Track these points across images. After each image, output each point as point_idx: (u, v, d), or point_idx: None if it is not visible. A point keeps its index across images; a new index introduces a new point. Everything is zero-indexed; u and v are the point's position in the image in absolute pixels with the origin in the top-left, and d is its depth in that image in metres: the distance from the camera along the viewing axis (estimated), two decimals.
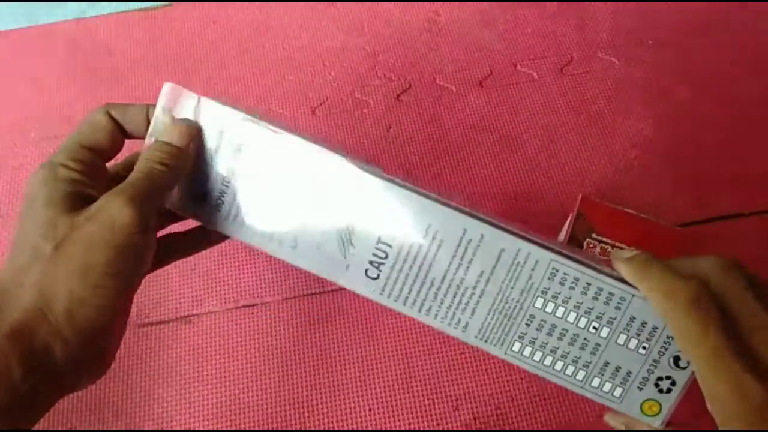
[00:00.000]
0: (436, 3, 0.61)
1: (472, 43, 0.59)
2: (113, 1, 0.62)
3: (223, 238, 0.32)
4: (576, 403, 0.43)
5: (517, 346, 0.30)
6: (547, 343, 0.29)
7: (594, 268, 0.28)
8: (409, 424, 0.43)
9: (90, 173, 0.27)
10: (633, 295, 0.28)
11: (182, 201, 0.31)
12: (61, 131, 0.55)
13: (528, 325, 0.29)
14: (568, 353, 0.29)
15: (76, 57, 0.59)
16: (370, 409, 0.44)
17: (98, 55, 0.60)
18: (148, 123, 0.30)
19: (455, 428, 0.43)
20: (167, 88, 0.30)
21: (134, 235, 0.25)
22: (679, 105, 0.55)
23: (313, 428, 0.43)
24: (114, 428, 0.44)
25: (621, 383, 0.29)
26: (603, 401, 0.30)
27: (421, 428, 0.43)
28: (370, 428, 0.43)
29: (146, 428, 0.44)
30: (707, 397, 0.25)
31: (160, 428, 0.44)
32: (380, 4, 0.61)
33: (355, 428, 0.43)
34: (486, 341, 0.30)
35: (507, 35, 0.59)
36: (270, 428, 0.43)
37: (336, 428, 0.43)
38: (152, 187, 0.27)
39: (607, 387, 0.29)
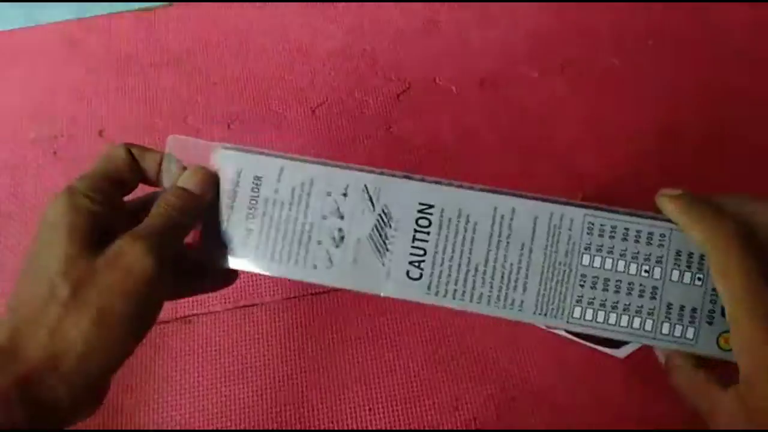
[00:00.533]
0: (436, 3, 0.61)
1: (472, 43, 0.59)
2: (113, 0, 0.62)
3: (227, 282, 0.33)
4: (576, 403, 0.43)
5: (577, 312, 0.29)
6: (605, 300, 0.29)
7: (627, 213, 0.29)
8: (409, 424, 0.43)
9: (110, 205, 0.28)
10: (671, 230, 0.29)
11: (209, 252, 0.31)
12: (61, 131, 0.55)
13: (582, 285, 0.29)
14: (629, 305, 0.29)
15: (76, 57, 0.59)
16: (370, 409, 0.43)
17: (98, 55, 0.60)
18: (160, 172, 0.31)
19: (455, 428, 0.43)
20: (173, 141, 0.31)
21: (153, 283, 0.26)
22: (679, 105, 0.55)
23: (313, 428, 0.43)
24: (114, 428, 0.43)
25: (690, 322, 0.29)
26: (678, 347, 0.29)
27: (421, 428, 0.43)
28: (370, 428, 0.43)
29: (146, 428, 0.44)
30: (736, 347, 0.25)
31: (159, 428, 0.44)
32: (380, 4, 0.61)
33: (355, 428, 0.43)
34: (545, 315, 0.29)
35: (507, 35, 0.59)
36: (270, 428, 0.43)
37: (336, 428, 0.43)
38: (171, 234, 0.28)
39: (678, 330, 0.29)
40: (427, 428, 0.43)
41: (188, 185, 0.30)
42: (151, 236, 0.27)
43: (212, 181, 0.30)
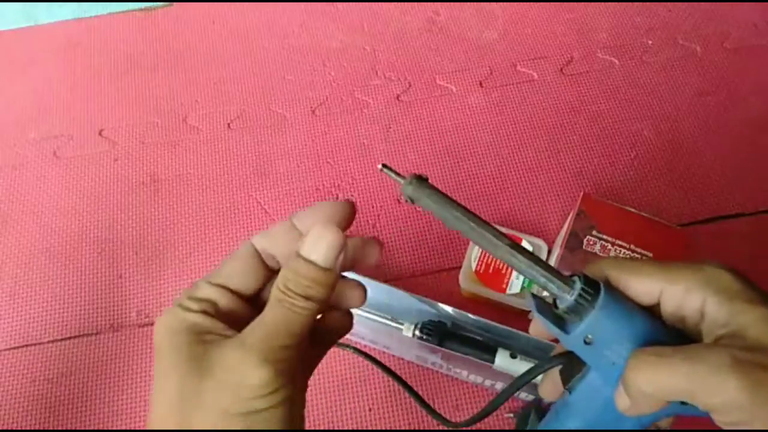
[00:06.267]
0: (436, 3, 0.61)
1: (472, 43, 0.59)
2: (113, 0, 0.62)
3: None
4: None
5: None
6: None
7: None
8: (410, 424, 0.43)
9: (218, 311, 0.24)
10: None
11: None
12: (61, 131, 0.55)
13: None
14: None
15: (76, 57, 0.59)
16: (370, 409, 0.43)
17: (98, 54, 0.60)
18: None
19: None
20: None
21: (271, 395, 0.22)
22: (678, 105, 0.55)
23: (313, 428, 0.43)
24: (114, 428, 0.43)
25: None
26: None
27: (421, 428, 0.43)
28: (370, 428, 0.43)
29: (146, 428, 0.43)
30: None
31: None
32: (380, 4, 0.61)
33: (355, 428, 0.43)
34: None
35: (507, 35, 0.59)
36: None
37: (336, 428, 0.43)
38: (291, 335, 0.22)
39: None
40: (427, 428, 0.43)
41: (313, 254, 0.23)
42: (263, 345, 0.22)
43: (342, 244, 0.23)
